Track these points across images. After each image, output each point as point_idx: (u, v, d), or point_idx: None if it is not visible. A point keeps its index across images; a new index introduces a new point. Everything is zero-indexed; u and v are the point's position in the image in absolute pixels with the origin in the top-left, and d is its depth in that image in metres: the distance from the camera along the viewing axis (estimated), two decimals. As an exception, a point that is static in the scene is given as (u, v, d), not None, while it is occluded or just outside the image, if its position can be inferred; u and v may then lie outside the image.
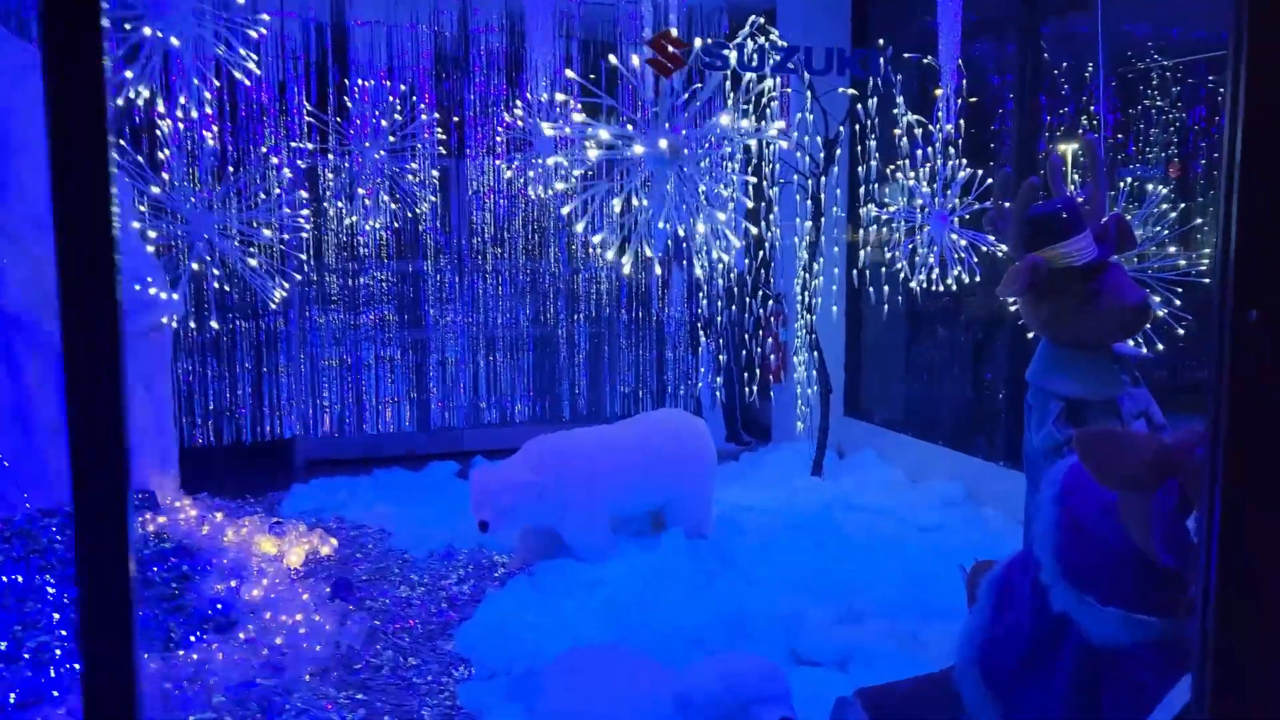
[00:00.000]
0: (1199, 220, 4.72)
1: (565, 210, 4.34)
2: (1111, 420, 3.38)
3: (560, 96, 5.41)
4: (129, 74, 4.01)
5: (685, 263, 5.17)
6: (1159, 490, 2.46)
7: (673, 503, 5.31)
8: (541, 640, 4.11)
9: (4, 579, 4.63)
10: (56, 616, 4.41)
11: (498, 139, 7.21)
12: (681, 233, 4.50)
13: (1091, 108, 5.66)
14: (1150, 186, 4.52)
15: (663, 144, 3.91)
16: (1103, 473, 2.55)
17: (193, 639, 4.24)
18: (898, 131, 5.65)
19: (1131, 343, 3.83)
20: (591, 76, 5.28)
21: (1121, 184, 4.67)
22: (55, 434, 5.49)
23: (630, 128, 4.15)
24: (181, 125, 4.45)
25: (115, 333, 1.45)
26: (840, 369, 7.19)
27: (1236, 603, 1.51)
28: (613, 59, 4.70)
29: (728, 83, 5.91)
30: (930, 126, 5.34)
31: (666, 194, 4.06)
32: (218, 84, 4.74)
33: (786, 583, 4.72)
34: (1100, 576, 2.64)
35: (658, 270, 4.90)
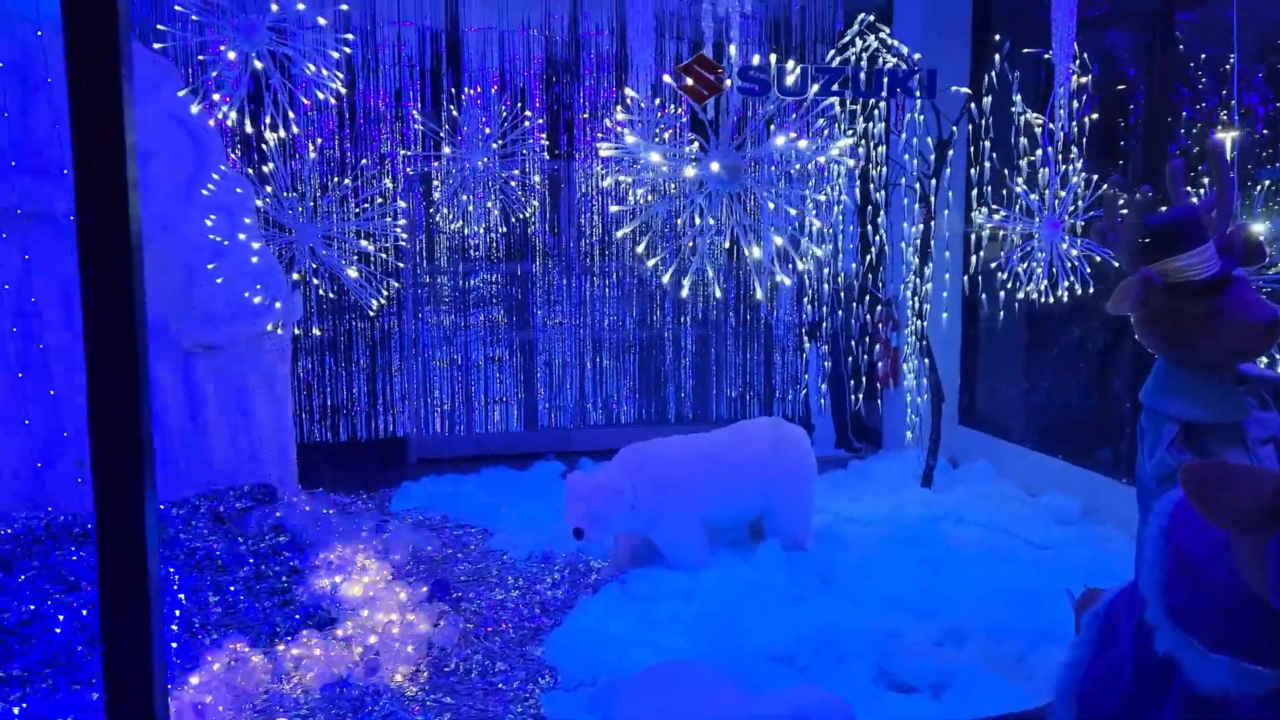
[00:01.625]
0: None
1: (622, 232, 4.24)
2: (1234, 446, 3.14)
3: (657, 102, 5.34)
4: (216, 96, 4.13)
5: (791, 267, 5.05)
6: (1278, 532, 2.26)
7: (770, 513, 5.21)
8: (628, 651, 4.09)
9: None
10: (182, 598, 4.62)
11: (603, 144, 7.22)
12: (779, 242, 4.38)
13: (1230, 101, 5.31)
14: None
15: (715, 167, 3.80)
16: (1211, 509, 2.36)
17: (293, 635, 4.37)
18: (1021, 130, 5.42)
19: (1263, 363, 3.57)
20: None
21: (1258, 187, 4.34)
22: (172, 435, 5.76)
23: (696, 147, 4.05)
24: (285, 137, 4.56)
25: (137, 338, 1.44)
26: (955, 375, 7.01)
27: None
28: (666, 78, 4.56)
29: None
30: (1051, 125, 5.08)
31: (722, 213, 3.95)
32: (333, 98, 4.83)
33: (885, 600, 4.60)
34: (1209, 620, 2.45)
35: (774, 278, 4.80)
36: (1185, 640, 2.49)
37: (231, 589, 4.81)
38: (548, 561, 5.35)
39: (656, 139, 4.46)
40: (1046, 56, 5.37)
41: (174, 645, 4.12)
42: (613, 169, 5.60)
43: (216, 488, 5.88)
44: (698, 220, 4.06)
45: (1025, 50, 5.72)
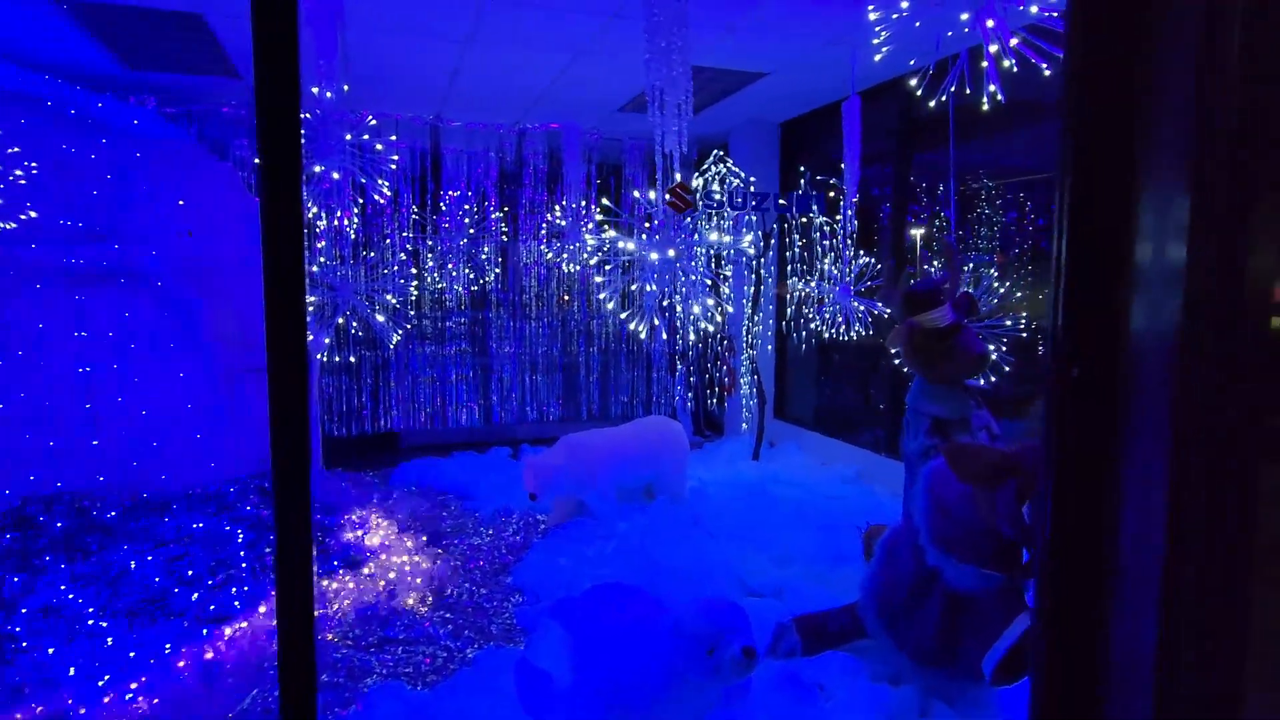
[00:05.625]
0: (1017, 294, 4.72)
1: (603, 296, 4.26)
2: (965, 432, 3.34)
3: (599, 214, 5.35)
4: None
5: (667, 315, 5.13)
6: (1003, 486, 2.46)
7: (659, 480, 5.28)
8: (573, 577, 4.07)
9: (201, 529, 4.56)
10: (242, 555, 4.35)
11: (541, 230, 7.19)
12: (665, 302, 4.44)
13: (942, 213, 5.67)
14: (983, 269, 4.51)
15: (671, 252, 3.87)
16: (964, 473, 2.55)
17: (330, 574, 4.19)
18: (815, 228, 5.63)
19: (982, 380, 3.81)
20: (604, 201, 5.26)
21: (965, 269, 4.66)
22: (231, 423, 5.41)
23: (644, 238, 4.11)
24: (334, 222, 4.43)
25: (303, 349, 1.41)
26: (773, 385, 7.19)
27: (1063, 562, 1.50)
28: (637, 193, 4.67)
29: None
30: (834, 226, 5.33)
31: (667, 279, 4.01)
32: (361, 200, 4.71)
33: (737, 535, 4.67)
34: (960, 543, 2.63)
35: (653, 323, 4.85)
36: (945, 557, 2.66)
37: (281, 542, 4.55)
38: (508, 516, 5.28)
39: (629, 231, 4.46)
40: (833, 181, 5.64)
41: (245, 588, 3.89)
42: (551, 250, 5.56)
43: (264, 469, 5.56)
44: (650, 287, 4.09)
45: (818, 176, 5.97)
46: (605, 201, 4.87)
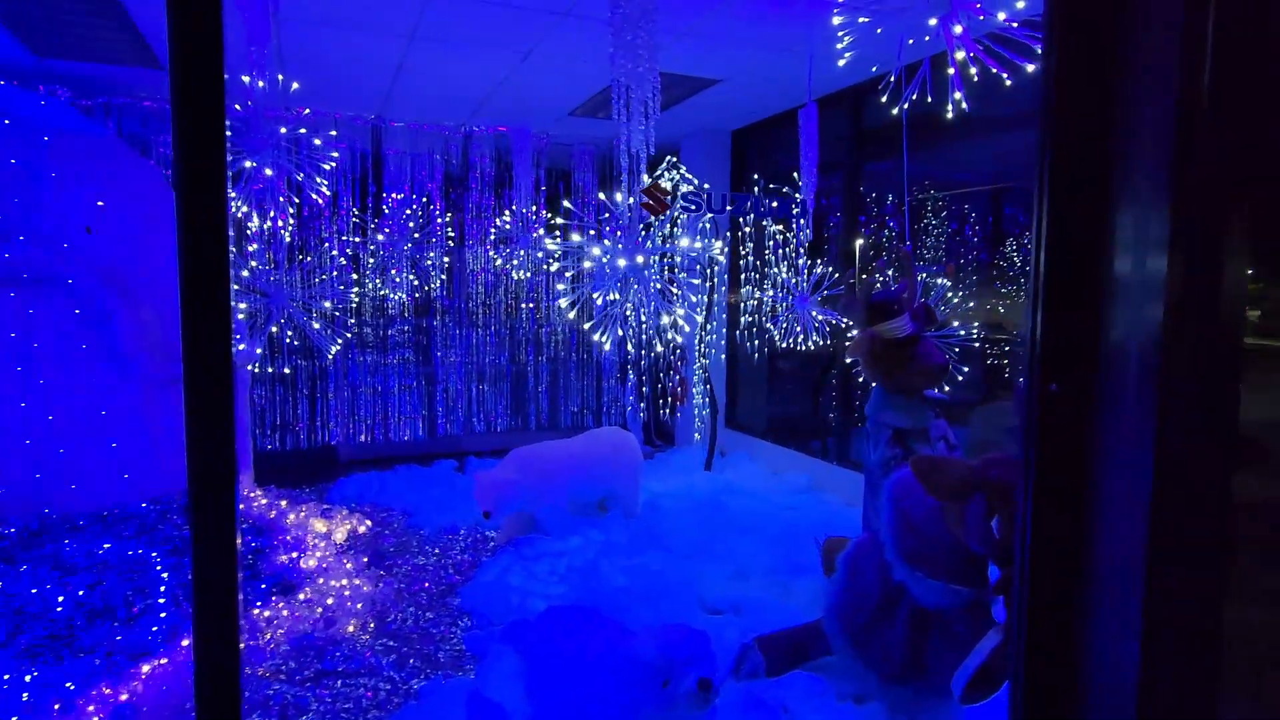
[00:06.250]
0: (970, 304, 4.77)
1: (564, 304, 4.10)
2: (924, 443, 3.33)
3: (559, 220, 5.18)
4: (232, 192, 3.71)
5: (633, 326, 5.00)
6: (971, 500, 2.41)
7: (613, 493, 5.15)
8: (524, 598, 3.89)
9: (120, 554, 4.20)
10: (163, 582, 4.02)
11: (490, 235, 6.99)
12: (630, 311, 4.31)
13: (890, 222, 5.72)
14: (936, 280, 4.54)
15: (640, 259, 3.76)
16: (931, 486, 2.49)
17: (262, 601, 3.90)
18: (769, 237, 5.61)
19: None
20: (565, 204, 5.12)
21: (920, 276, 4.68)
22: (152, 436, 5.06)
23: (607, 244, 3.98)
24: (265, 224, 4.16)
25: (228, 359, 1.25)
26: (724, 395, 7.14)
27: (1041, 577, 1.44)
28: (602, 194, 4.53)
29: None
30: (789, 235, 5.31)
31: (633, 286, 3.88)
32: (297, 200, 4.45)
33: (693, 549, 4.55)
34: (928, 558, 2.57)
35: (619, 333, 4.72)
36: (912, 572, 2.60)
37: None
38: (454, 534, 5.06)
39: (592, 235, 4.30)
40: (785, 191, 5.62)
41: (162, 615, 3.58)
42: (501, 256, 5.36)
43: (182, 488, 5.19)
44: (614, 295, 3.95)
45: (771, 185, 5.96)
46: (567, 204, 4.72)
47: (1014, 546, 1.57)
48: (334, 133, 3.69)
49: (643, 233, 4.00)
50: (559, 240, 4.37)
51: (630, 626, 2.72)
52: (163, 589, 3.90)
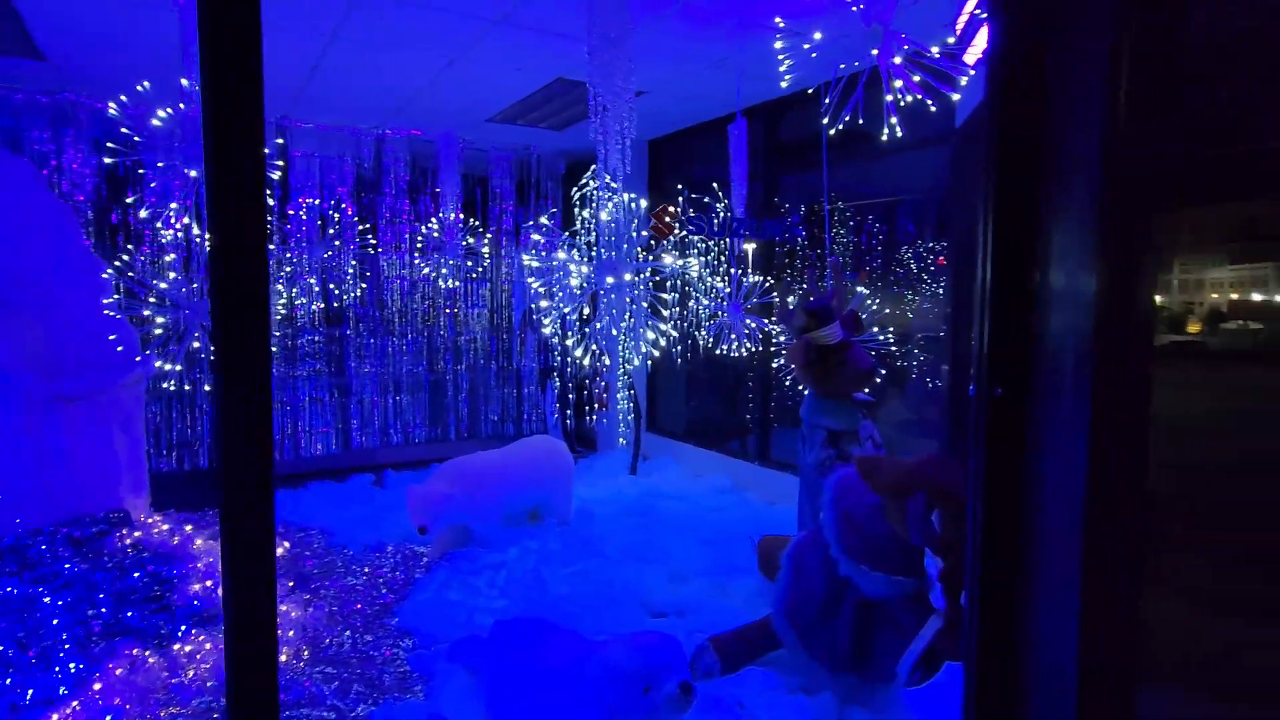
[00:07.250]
0: (887, 310, 5.05)
1: (546, 323, 4.00)
2: (855, 443, 3.51)
3: (541, 227, 5.01)
4: (129, 198, 3.42)
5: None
6: (912, 497, 2.58)
7: (546, 501, 5.12)
8: (466, 613, 3.81)
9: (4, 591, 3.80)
10: (56, 622, 3.67)
11: (405, 241, 6.78)
12: (613, 329, 4.26)
13: (799, 231, 5.97)
14: (855, 288, 4.77)
15: (627, 276, 3.75)
16: (874, 484, 2.65)
17: (180, 634, 3.64)
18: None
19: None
20: (543, 219, 5.00)
21: (845, 286, 4.89)
22: (36, 461, 4.60)
23: (591, 259, 3.93)
24: (180, 234, 3.88)
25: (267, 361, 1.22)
26: (644, 399, 7.21)
27: (990, 566, 1.59)
28: (587, 212, 4.45)
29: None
30: (720, 244, 5.44)
31: (613, 300, 3.84)
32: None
33: (629, 553, 4.59)
34: (871, 553, 2.73)
35: (597, 350, 4.63)
36: (857, 566, 2.76)
37: (109, 602, 3.90)
38: (381, 551, 4.88)
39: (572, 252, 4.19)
40: (705, 200, 5.74)
41: (72, 664, 3.28)
42: (428, 263, 5.18)
43: (70, 516, 4.75)
44: (585, 310, 3.89)
45: (693, 195, 6.08)
46: (544, 220, 4.65)
47: (963, 539, 1.71)
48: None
49: (640, 254, 4.01)
50: (535, 254, 4.28)
51: (585, 635, 2.73)
52: (62, 631, 3.57)
